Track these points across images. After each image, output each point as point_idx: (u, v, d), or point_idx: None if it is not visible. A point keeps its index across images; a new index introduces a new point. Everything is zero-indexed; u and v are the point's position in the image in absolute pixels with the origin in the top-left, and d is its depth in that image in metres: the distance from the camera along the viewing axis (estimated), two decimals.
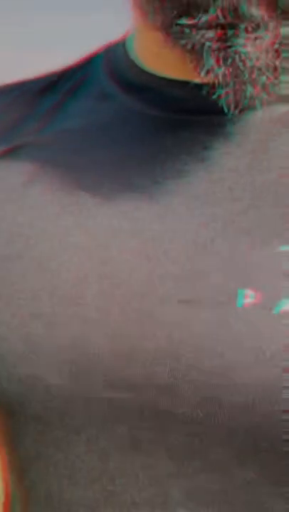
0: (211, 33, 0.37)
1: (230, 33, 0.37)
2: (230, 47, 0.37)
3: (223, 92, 0.38)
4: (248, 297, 0.38)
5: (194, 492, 0.39)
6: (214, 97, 0.39)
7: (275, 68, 0.38)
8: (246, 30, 0.37)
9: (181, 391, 0.38)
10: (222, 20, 0.37)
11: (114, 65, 0.48)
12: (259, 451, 0.38)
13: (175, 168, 0.43)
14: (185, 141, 0.43)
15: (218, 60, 0.37)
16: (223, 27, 0.37)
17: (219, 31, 0.37)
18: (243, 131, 0.43)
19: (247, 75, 0.37)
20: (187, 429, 0.38)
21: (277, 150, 0.42)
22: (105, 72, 0.48)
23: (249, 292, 0.39)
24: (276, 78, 0.39)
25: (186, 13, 0.38)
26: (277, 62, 0.38)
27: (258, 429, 0.37)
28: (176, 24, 0.38)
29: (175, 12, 0.38)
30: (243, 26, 0.37)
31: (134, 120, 0.45)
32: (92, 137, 0.46)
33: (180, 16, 0.38)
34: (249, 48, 0.37)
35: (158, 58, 0.45)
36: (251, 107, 0.41)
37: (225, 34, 0.37)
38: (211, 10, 0.36)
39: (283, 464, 0.38)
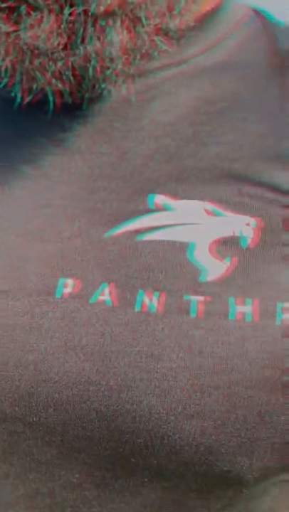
0: None
1: (13, 16, 0.34)
2: (14, 32, 0.34)
3: (13, 79, 0.35)
4: (68, 286, 0.36)
5: (24, 494, 0.37)
6: (1, 85, 0.36)
7: (60, 53, 0.35)
8: (28, 13, 0.34)
9: None
10: (1, 4, 0.34)
11: None
12: (79, 452, 0.35)
13: (32, 152, 0.41)
14: (44, 123, 0.41)
15: (7, 46, 0.35)
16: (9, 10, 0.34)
17: (4, 15, 0.34)
18: (98, 113, 0.40)
19: (34, 61, 0.35)
20: (9, 428, 0.36)
21: (120, 132, 0.40)
22: None
23: (69, 281, 0.36)
24: (66, 65, 0.35)
25: None
26: (61, 48, 0.35)
27: (74, 428, 0.35)
28: None
29: None
30: (23, 9, 0.34)
31: None
32: None
33: None
34: (31, 32, 0.34)
35: None
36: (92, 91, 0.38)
37: (9, 18, 0.34)
38: None
39: (106, 466, 0.35)
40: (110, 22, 0.34)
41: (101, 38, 0.34)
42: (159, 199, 0.37)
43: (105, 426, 0.34)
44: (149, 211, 0.37)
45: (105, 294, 0.35)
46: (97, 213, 0.37)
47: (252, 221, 0.35)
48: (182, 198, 0.37)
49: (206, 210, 0.36)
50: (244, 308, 0.34)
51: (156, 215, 0.36)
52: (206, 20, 0.42)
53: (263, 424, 0.33)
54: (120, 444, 0.34)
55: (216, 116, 0.39)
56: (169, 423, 0.33)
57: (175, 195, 0.37)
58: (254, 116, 0.39)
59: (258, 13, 0.46)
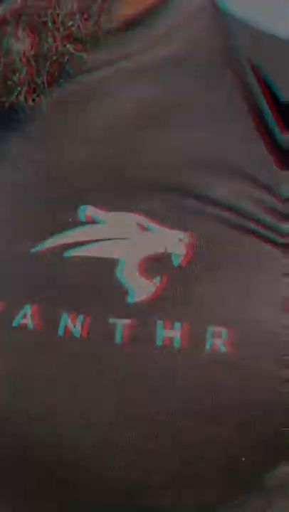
0: None
1: None
2: None
3: None
4: None
5: None
6: None
7: None
8: None
9: None
10: None
11: None
12: (1, 485, 0.33)
13: None
14: None
15: None
16: None
17: None
18: (33, 117, 0.38)
19: None
20: None
21: (53, 137, 0.37)
22: None
23: None
24: None
25: None
26: None
27: None
28: None
29: None
30: None
31: None
32: None
33: None
34: None
35: None
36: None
37: None
38: None
39: (31, 500, 0.33)
40: (6, 30, 0.31)
41: None
42: (90, 211, 0.34)
43: (28, 457, 0.32)
44: (78, 224, 0.34)
45: (27, 317, 0.32)
46: (24, 226, 0.35)
47: (185, 237, 0.33)
48: (115, 210, 0.34)
49: (138, 224, 0.33)
50: (172, 333, 0.31)
51: (86, 228, 0.34)
52: (152, 12, 0.39)
53: (194, 458, 0.31)
54: (44, 476, 0.32)
55: (156, 120, 0.36)
56: (91, 456, 0.31)
57: (107, 206, 0.34)
58: (198, 120, 0.36)
59: (212, 2, 0.43)
